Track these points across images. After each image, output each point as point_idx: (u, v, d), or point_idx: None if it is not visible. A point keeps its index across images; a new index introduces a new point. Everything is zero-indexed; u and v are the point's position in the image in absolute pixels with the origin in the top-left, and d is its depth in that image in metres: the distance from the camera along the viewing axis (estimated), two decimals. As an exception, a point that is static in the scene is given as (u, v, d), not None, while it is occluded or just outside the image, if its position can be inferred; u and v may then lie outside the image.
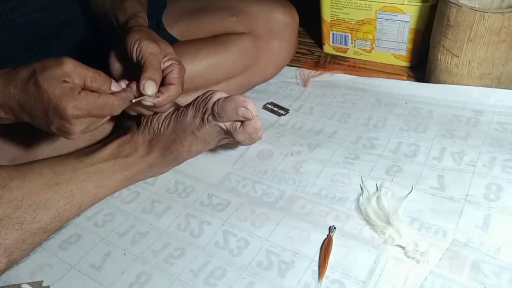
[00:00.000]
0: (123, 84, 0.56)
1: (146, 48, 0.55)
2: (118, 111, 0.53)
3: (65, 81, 0.48)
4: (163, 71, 0.57)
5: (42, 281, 0.53)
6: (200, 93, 0.65)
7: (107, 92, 0.52)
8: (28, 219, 0.54)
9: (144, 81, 0.53)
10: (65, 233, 0.59)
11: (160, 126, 0.63)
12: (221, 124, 0.60)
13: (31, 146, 0.66)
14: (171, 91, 0.56)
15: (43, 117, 0.49)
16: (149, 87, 0.54)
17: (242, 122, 0.59)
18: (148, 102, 0.55)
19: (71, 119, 0.48)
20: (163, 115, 0.64)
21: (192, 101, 0.63)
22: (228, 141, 0.64)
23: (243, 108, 0.57)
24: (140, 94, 0.54)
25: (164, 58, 0.57)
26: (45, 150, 0.66)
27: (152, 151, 0.64)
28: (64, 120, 0.48)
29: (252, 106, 0.58)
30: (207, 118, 0.60)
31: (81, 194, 0.59)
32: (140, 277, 0.53)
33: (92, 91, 0.50)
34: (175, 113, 0.64)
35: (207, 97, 0.61)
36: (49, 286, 0.53)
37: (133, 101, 0.54)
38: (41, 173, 0.57)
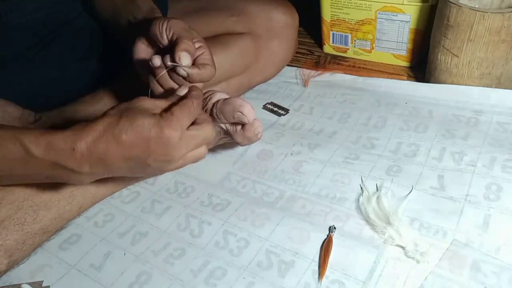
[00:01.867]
0: (158, 59, 0.53)
1: (177, 25, 0.54)
2: (200, 106, 0.50)
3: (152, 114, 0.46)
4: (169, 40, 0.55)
5: (42, 281, 0.53)
6: None
7: None
8: (29, 220, 0.54)
9: (179, 52, 0.51)
10: (65, 233, 0.59)
11: None
12: (221, 125, 0.60)
13: None
14: (206, 69, 0.55)
15: (141, 156, 0.46)
16: (185, 57, 0.52)
17: (242, 125, 0.59)
18: (183, 71, 0.52)
19: (175, 137, 0.45)
20: None
21: None
22: (228, 140, 0.64)
23: (239, 112, 0.56)
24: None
25: (193, 39, 0.55)
26: None
27: None
28: (166, 146, 0.45)
29: (248, 110, 0.57)
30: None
31: (81, 195, 0.59)
32: (140, 277, 0.53)
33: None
34: None
35: (207, 97, 0.61)
36: (49, 286, 0.53)
37: (168, 64, 0.52)
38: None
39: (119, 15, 0.65)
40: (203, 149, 0.51)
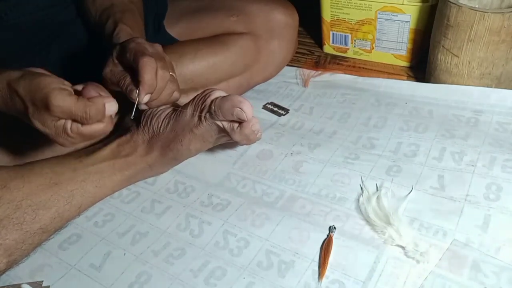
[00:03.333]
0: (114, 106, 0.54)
1: (105, 76, 0.57)
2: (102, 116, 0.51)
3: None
4: (129, 64, 0.56)
5: (42, 281, 0.53)
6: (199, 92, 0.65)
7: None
8: (28, 219, 0.54)
9: (127, 94, 0.55)
10: (65, 233, 0.59)
11: (159, 125, 0.63)
12: (218, 123, 0.59)
13: (30, 150, 0.66)
14: (143, 72, 0.53)
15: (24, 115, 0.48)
16: (131, 94, 0.54)
17: (240, 122, 0.59)
18: (146, 98, 0.55)
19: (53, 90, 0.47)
20: (163, 115, 0.64)
21: (191, 99, 0.63)
22: (227, 139, 0.64)
23: (239, 109, 0.56)
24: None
25: (120, 59, 0.57)
26: (45, 150, 0.66)
27: (152, 150, 0.64)
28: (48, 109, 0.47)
29: (247, 107, 0.56)
30: (205, 116, 0.60)
31: (81, 194, 0.59)
32: (140, 277, 0.53)
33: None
34: (174, 112, 0.63)
35: (205, 95, 0.61)
36: (49, 286, 0.53)
37: (132, 117, 0.55)
38: (41, 173, 0.57)
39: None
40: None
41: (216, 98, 0.59)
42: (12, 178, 0.55)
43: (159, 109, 0.64)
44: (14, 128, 0.58)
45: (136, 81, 0.53)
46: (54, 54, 0.70)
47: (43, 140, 0.66)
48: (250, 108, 0.57)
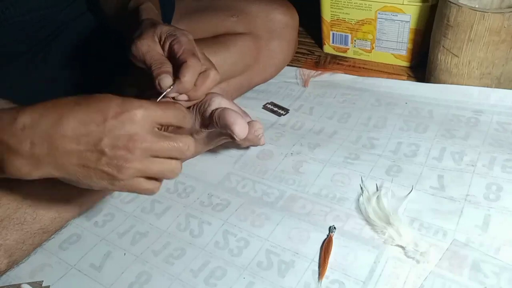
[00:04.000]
0: (168, 80, 0.50)
1: (136, 50, 0.51)
2: (188, 124, 0.47)
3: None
4: (169, 53, 0.52)
5: (42, 281, 0.53)
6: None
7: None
8: (29, 219, 0.54)
9: (156, 81, 0.49)
10: (65, 233, 0.59)
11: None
12: (220, 129, 0.59)
13: None
14: (184, 71, 0.49)
15: (95, 137, 0.39)
16: (163, 81, 0.49)
17: None
18: (177, 97, 0.51)
19: (139, 127, 0.40)
20: None
21: (193, 104, 0.63)
22: (229, 140, 0.64)
23: (230, 130, 0.55)
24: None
25: (159, 41, 0.52)
26: None
27: None
28: (128, 131, 0.40)
29: (239, 129, 0.55)
30: (207, 125, 0.59)
31: (81, 194, 0.59)
32: (140, 277, 0.53)
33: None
34: None
35: (205, 102, 0.59)
36: (49, 286, 0.53)
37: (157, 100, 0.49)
38: None
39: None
40: (175, 163, 0.44)
41: (217, 109, 0.57)
42: (12, 179, 0.55)
43: None
44: None
45: (173, 75, 0.50)
46: (54, 54, 0.69)
47: None
48: (243, 128, 0.55)
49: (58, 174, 0.41)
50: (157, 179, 0.44)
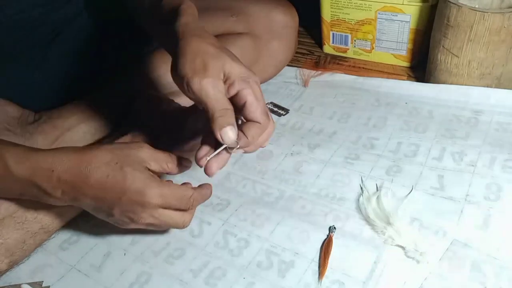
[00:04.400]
0: (233, 133, 0.44)
1: (199, 89, 0.43)
2: (194, 206, 0.51)
3: (147, 168, 0.48)
4: (233, 100, 0.45)
5: (42, 281, 0.53)
6: None
7: (174, 171, 0.52)
8: (30, 219, 0.54)
9: (219, 132, 0.43)
10: (65, 233, 0.59)
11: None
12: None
13: None
14: (253, 130, 0.45)
15: (113, 201, 0.47)
16: (228, 135, 0.43)
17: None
18: (235, 152, 0.47)
19: (148, 208, 0.47)
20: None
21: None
22: None
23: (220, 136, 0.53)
24: (217, 143, 0.45)
25: (225, 81, 0.45)
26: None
27: None
28: (140, 207, 0.47)
29: (227, 138, 0.51)
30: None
31: None
32: (140, 277, 0.53)
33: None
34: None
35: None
36: (49, 286, 0.53)
37: (210, 157, 0.46)
38: None
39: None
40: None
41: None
42: None
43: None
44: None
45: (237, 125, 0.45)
46: (54, 53, 0.69)
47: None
48: (232, 136, 0.52)
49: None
50: None
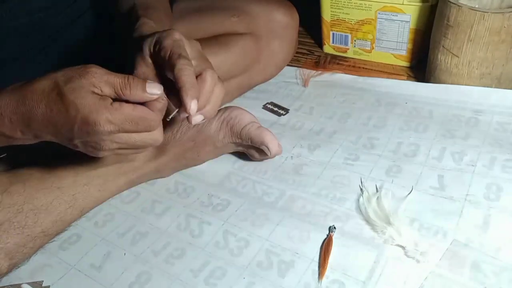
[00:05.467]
0: (157, 89, 0.45)
1: (170, 47, 0.46)
2: (154, 127, 0.45)
3: (94, 92, 0.42)
4: (160, 63, 0.48)
5: (42, 281, 0.53)
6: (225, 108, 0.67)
7: (141, 96, 0.44)
8: (30, 223, 0.54)
9: (189, 102, 0.44)
10: (65, 233, 0.59)
11: (175, 132, 0.64)
12: (243, 143, 0.65)
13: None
14: (184, 93, 0.45)
15: (68, 133, 0.43)
16: (194, 106, 0.44)
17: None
18: (194, 120, 0.47)
19: (102, 135, 0.43)
20: (177, 121, 0.65)
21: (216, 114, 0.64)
22: (241, 150, 0.68)
23: (265, 147, 0.62)
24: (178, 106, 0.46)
25: (151, 52, 0.49)
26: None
27: (162, 156, 0.64)
28: (94, 135, 0.43)
29: (273, 146, 0.62)
30: (235, 140, 0.64)
31: (83, 198, 0.59)
32: (140, 277, 0.53)
33: (125, 101, 0.44)
34: None
35: (235, 116, 0.64)
36: (49, 286, 0.53)
37: (168, 118, 0.47)
38: (42, 177, 0.57)
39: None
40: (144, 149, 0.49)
41: (249, 124, 0.64)
42: (13, 183, 0.54)
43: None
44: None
45: (174, 89, 0.45)
46: (52, 57, 0.69)
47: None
48: (277, 147, 0.63)
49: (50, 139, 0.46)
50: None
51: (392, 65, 0.90)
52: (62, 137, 0.44)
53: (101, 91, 0.43)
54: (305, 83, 0.87)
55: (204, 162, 0.68)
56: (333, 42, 0.95)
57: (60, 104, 0.42)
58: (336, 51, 0.96)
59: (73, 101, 0.41)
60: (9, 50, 0.65)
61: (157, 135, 0.46)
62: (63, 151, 0.66)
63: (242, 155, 0.69)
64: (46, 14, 0.66)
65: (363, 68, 0.91)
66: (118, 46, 0.74)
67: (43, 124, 0.43)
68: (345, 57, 0.95)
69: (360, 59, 0.94)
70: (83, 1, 0.71)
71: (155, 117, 0.45)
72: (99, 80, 0.43)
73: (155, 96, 0.44)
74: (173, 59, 0.45)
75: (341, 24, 0.91)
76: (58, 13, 0.68)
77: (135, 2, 0.61)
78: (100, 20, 0.73)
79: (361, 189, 0.61)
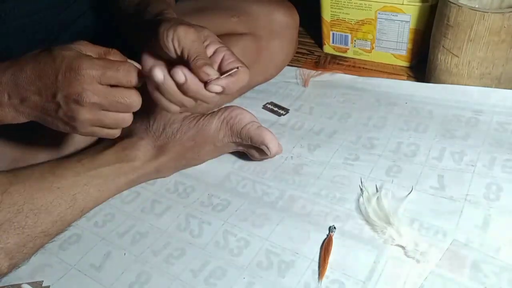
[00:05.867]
0: (160, 72, 0.47)
1: (185, 37, 0.48)
2: (134, 82, 0.48)
3: (80, 51, 0.47)
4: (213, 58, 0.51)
5: (42, 281, 0.53)
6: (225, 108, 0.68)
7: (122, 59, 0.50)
8: (30, 223, 0.54)
9: (203, 67, 0.46)
10: (65, 233, 0.59)
11: (175, 131, 0.64)
12: (243, 142, 0.65)
13: (31, 147, 0.65)
14: (239, 73, 0.49)
15: (52, 87, 0.46)
16: (210, 70, 0.47)
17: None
18: (216, 87, 0.48)
19: (85, 83, 0.45)
20: (179, 122, 0.64)
21: (215, 112, 0.66)
22: (241, 150, 0.68)
23: (265, 146, 0.62)
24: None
25: (204, 42, 0.51)
26: (45, 151, 0.66)
27: (162, 155, 0.64)
28: (77, 83, 0.45)
29: (273, 146, 0.63)
30: (235, 140, 0.65)
31: (84, 198, 0.59)
32: (140, 277, 0.53)
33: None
34: (197, 121, 0.64)
35: (235, 116, 0.65)
36: (49, 286, 0.53)
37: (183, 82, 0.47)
38: (42, 177, 0.57)
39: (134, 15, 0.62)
40: (124, 116, 0.50)
41: (248, 123, 0.64)
42: (13, 183, 0.54)
43: (173, 116, 0.65)
44: (15, 128, 0.57)
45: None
46: None
47: (43, 140, 0.66)
48: (277, 147, 0.64)
49: (34, 119, 0.49)
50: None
51: (392, 65, 0.90)
52: (47, 91, 0.46)
53: (86, 53, 0.47)
54: (305, 83, 0.87)
55: (204, 162, 0.68)
56: (333, 42, 0.95)
57: (48, 56, 0.46)
58: (336, 51, 0.96)
59: (60, 52, 0.46)
60: (9, 50, 0.65)
61: (134, 96, 0.49)
62: (61, 147, 0.67)
63: (242, 155, 0.69)
64: (47, 14, 0.66)
65: (363, 68, 0.91)
66: (119, 46, 0.74)
67: (30, 80, 0.46)
68: (345, 57, 0.95)
69: (360, 59, 0.94)
70: (83, 1, 0.71)
71: (133, 72, 0.48)
72: (84, 47, 0.48)
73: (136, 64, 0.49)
74: (236, 63, 0.50)
75: (341, 24, 0.91)
76: (58, 13, 0.68)
77: None
78: (100, 20, 0.73)
79: (361, 189, 0.61)
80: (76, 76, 0.45)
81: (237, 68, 0.49)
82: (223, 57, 0.51)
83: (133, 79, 0.48)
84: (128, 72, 0.48)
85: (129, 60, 0.50)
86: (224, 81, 0.48)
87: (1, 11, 0.62)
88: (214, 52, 0.51)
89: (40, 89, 0.47)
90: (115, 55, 0.50)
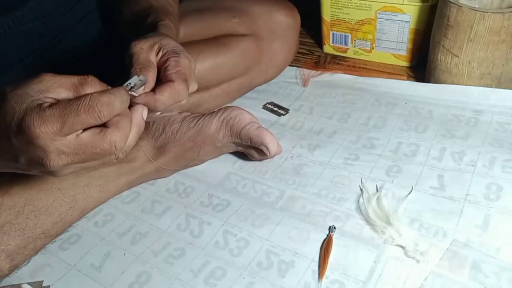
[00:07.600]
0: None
1: (135, 44, 0.46)
2: (104, 117, 0.36)
3: (39, 99, 0.36)
4: (159, 68, 0.46)
5: (42, 281, 0.54)
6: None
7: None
8: (30, 224, 0.54)
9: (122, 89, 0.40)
10: (65, 234, 0.59)
11: (175, 132, 0.64)
12: (242, 143, 0.65)
13: None
14: (166, 90, 0.43)
15: (10, 150, 0.37)
16: (133, 79, 0.41)
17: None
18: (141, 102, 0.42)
19: (48, 140, 0.35)
20: (179, 123, 0.64)
21: (215, 112, 0.66)
22: (241, 150, 0.68)
23: (265, 147, 0.63)
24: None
25: (158, 52, 0.47)
26: None
27: (162, 156, 0.64)
28: (34, 147, 0.35)
29: (273, 147, 0.63)
30: (234, 140, 0.65)
31: (84, 199, 0.59)
32: (140, 277, 0.53)
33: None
34: (196, 122, 0.64)
35: (234, 116, 0.65)
36: (49, 286, 0.53)
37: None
38: (42, 179, 0.57)
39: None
40: (108, 159, 0.40)
41: (248, 124, 0.64)
42: (13, 185, 0.54)
43: (172, 117, 0.65)
44: None
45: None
46: (56, 59, 0.69)
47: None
48: (276, 148, 0.64)
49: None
50: None
51: (392, 65, 0.90)
52: (8, 156, 0.38)
53: (55, 96, 0.37)
54: (305, 83, 0.87)
55: (204, 162, 0.68)
56: (333, 42, 0.95)
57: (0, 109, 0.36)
58: (336, 51, 0.96)
59: (8, 105, 0.36)
60: (15, 54, 0.65)
61: (115, 135, 0.37)
62: None
63: (242, 155, 0.69)
64: (55, 16, 0.66)
65: (363, 68, 0.91)
66: (124, 46, 0.74)
67: None
68: (345, 57, 0.95)
69: (360, 59, 0.94)
70: (86, 3, 0.71)
71: (98, 98, 0.37)
72: (52, 81, 0.37)
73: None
74: (176, 76, 0.44)
75: (341, 24, 0.91)
76: (64, 14, 0.68)
77: (152, 4, 0.59)
78: (105, 20, 0.73)
79: (361, 189, 0.61)
80: (31, 140, 0.35)
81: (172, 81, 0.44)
82: (166, 66, 0.45)
83: (102, 114, 0.36)
84: (91, 109, 0.35)
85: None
86: (142, 99, 0.42)
87: (13, 17, 0.61)
88: (165, 61, 0.46)
89: (0, 153, 0.38)
90: (93, 83, 0.39)
